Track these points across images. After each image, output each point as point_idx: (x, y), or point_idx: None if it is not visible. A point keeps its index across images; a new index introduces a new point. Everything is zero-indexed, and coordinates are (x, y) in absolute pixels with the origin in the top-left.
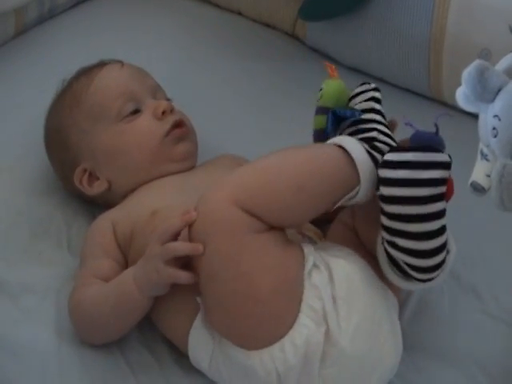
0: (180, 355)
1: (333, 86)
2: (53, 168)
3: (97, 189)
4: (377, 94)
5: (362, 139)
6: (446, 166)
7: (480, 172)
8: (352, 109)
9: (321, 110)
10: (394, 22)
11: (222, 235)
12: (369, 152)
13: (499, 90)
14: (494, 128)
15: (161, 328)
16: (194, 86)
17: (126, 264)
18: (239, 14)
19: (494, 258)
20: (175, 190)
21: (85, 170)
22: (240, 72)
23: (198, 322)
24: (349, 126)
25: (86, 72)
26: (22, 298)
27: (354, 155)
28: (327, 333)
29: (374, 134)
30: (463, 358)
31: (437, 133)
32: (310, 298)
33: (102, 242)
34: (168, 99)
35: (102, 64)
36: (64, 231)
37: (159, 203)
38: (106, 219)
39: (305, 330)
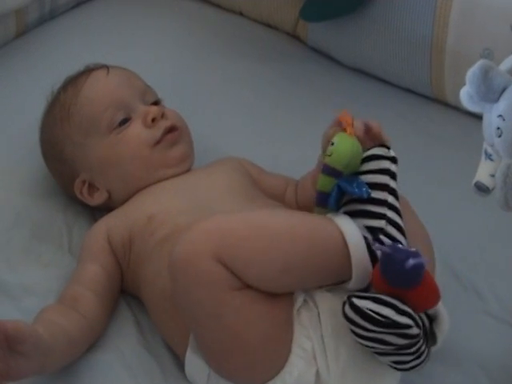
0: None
1: (346, 145)
2: (53, 177)
3: (97, 199)
4: (393, 167)
5: (367, 228)
6: (413, 337)
7: (484, 172)
8: (359, 183)
9: (328, 170)
10: (395, 23)
11: (203, 290)
12: (369, 248)
13: (503, 90)
14: (498, 128)
15: (161, 335)
16: (195, 87)
17: (115, 270)
18: (240, 14)
19: (496, 258)
20: (172, 194)
21: (84, 182)
22: (241, 72)
23: (192, 344)
24: (355, 200)
25: (73, 82)
26: (22, 299)
27: (352, 252)
28: (317, 374)
29: (382, 223)
30: (465, 359)
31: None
32: (299, 338)
33: (92, 247)
34: (158, 101)
35: (87, 71)
36: (65, 233)
37: (156, 207)
38: (101, 225)
39: (295, 371)
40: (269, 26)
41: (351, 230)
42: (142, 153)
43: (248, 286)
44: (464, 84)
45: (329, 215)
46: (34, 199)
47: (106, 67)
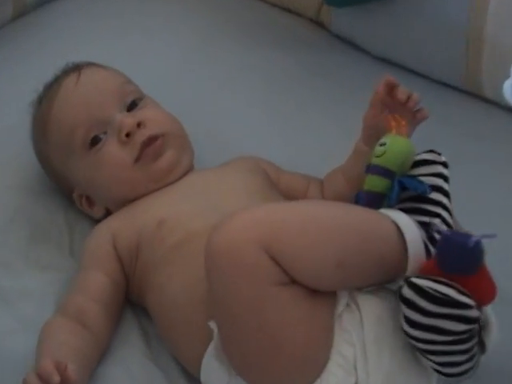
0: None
1: (401, 145)
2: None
3: (97, 213)
4: (446, 172)
5: (421, 224)
6: (473, 320)
7: None
8: (420, 181)
9: (379, 171)
10: (428, 8)
11: (246, 282)
12: (426, 246)
13: None
14: None
15: (169, 348)
16: (205, 77)
17: (121, 277)
18: None
19: None
20: (183, 196)
21: (81, 196)
22: (257, 62)
23: (211, 351)
24: (410, 198)
25: (46, 94)
26: (18, 304)
27: (410, 246)
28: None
29: (436, 222)
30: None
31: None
32: (340, 344)
33: (95, 252)
34: (137, 99)
35: (59, 79)
36: (65, 234)
37: (166, 211)
38: (105, 227)
39: (333, 379)
40: (289, 11)
41: (408, 225)
42: (123, 174)
43: (294, 282)
44: (506, 77)
45: (382, 210)
46: (32, 196)
47: (78, 71)
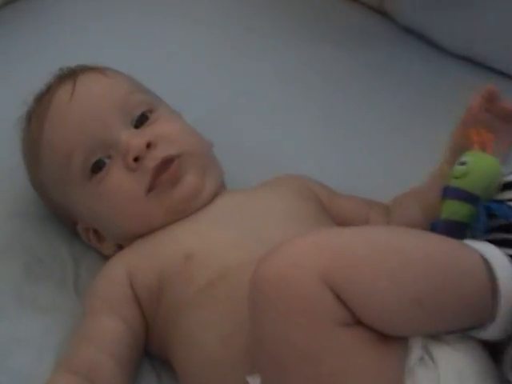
0: None
1: (485, 164)
2: None
3: (107, 250)
4: None
5: None
6: None
7: None
8: (509, 206)
9: (459, 195)
10: None
11: (301, 319)
12: None
13: None
14: None
15: None
16: (248, 76)
17: (140, 325)
18: None
19: None
20: (215, 223)
21: (87, 229)
22: (310, 58)
23: None
24: (499, 228)
25: (36, 111)
26: (10, 356)
27: (501, 285)
28: None
29: None
30: None
31: None
32: None
33: (109, 294)
34: (147, 111)
35: (51, 91)
36: (70, 268)
37: (194, 242)
38: (119, 264)
39: None
40: None
41: (498, 259)
42: (134, 208)
43: (359, 323)
44: None
45: (466, 241)
46: (30, 221)
47: (73, 79)
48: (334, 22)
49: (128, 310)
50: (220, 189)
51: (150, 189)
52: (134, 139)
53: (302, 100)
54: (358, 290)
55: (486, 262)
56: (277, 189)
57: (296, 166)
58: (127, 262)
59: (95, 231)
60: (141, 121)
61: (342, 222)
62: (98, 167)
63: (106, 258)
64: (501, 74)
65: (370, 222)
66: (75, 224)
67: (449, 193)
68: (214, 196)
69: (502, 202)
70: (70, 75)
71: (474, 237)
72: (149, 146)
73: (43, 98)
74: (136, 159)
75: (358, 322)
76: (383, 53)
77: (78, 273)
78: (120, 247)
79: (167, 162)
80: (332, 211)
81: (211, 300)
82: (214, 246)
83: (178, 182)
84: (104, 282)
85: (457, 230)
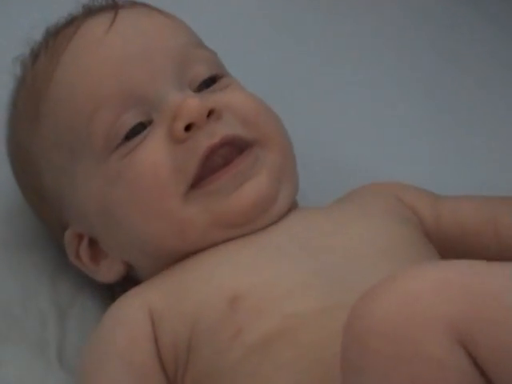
0: None
1: None
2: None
3: (107, 272)
4: None
5: None
6: None
7: None
8: None
9: None
10: None
11: None
12: None
13: None
14: None
15: None
16: (292, 61)
17: None
18: None
19: None
20: (278, 254)
21: (80, 236)
22: (378, 38)
23: None
24: None
25: (50, 41)
26: None
27: None
28: None
29: None
30: None
31: None
32: None
33: (131, 352)
34: (215, 76)
35: (76, 20)
36: (53, 323)
37: (245, 280)
38: (138, 304)
39: None
40: None
41: None
42: (166, 203)
43: None
44: None
45: None
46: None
47: (114, 11)
48: None
49: (155, 377)
50: (293, 204)
51: (196, 182)
52: (191, 99)
53: (380, 87)
54: (503, 353)
55: None
56: (363, 209)
57: (388, 171)
58: (149, 304)
59: (92, 242)
60: (205, 84)
61: (459, 234)
62: (134, 132)
63: (106, 306)
64: None
65: (500, 230)
66: (63, 230)
67: None
68: (286, 213)
69: None
70: (109, 5)
71: None
72: (211, 114)
73: (63, 31)
74: (188, 127)
75: None
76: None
77: (64, 332)
78: (130, 268)
79: (231, 145)
80: (441, 224)
81: (267, 366)
82: (274, 287)
83: (244, 181)
84: (121, 335)
85: None
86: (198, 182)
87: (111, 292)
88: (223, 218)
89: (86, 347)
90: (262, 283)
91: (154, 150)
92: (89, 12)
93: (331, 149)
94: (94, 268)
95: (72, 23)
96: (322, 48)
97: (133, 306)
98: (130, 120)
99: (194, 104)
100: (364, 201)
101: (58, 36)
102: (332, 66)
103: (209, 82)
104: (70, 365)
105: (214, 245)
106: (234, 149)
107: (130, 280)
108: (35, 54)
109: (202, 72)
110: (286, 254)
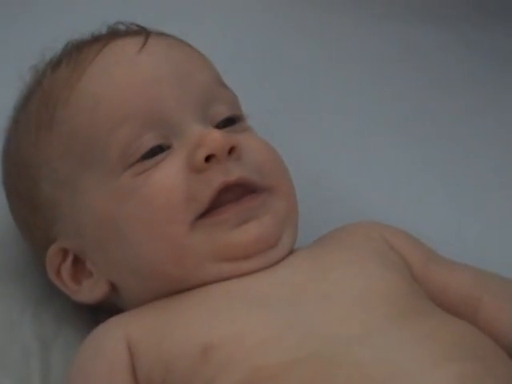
0: None
1: None
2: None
3: (88, 293)
4: None
5: None
6: None
7: None
8: None
9: None
10: None
11: None
12: None
13: None
14: None
15: None
16: (289, 76)
17: None
18: None
19: None
20: (252, 304)
21: (65, 252)
22: (377, 49)
23: None
24: None
25: (73, 54)
26: None
27: None
28: None
29: None
30: None
31: None
32: None
33: (111, 381)
34: (234, 117)
35: (106, 37)
36: (36, 355)
37: (220, 330)
38: (117, 333)
39: None
40: None
41: None
42: (173, 227)
43: None
44: None
45: None
46: None
47: (145, 33)
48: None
49: None
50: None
51: (207, 212)
52: (217, 132)
53: (359, 110)
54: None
55: None
56: (350, 253)
57: (381, 212)
58: (128, 335)
59: (76, 259)
60: (223, 123)
61: (440, 302)
62: (152, 153)
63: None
64: None
65: (480, 313)
66: (47, 244)
67: None
68: (287, 256)
69: None
70: (139, 31)
71: None
72: (232, 151)
73: (88, 45)
74: (208, 158)
75: None
76: (474, 37)
77: (48, 365)
78: (113, 291)
79: (244, 187)
80: (427, 284)
81: None
82: (246, 339)
83: (250, 220)
84: (100, 364)
85: None
86: (206, 212)
87: (95, 323)
88: (223, 250)
89: (67, 377)
90: (234, 334)
91: (170, 174)
92: (115, 33)
93: (318, 173)
94: (75, 287)
95: (98, 40)
96: (306, 76)
97: (113, 338)
98: (150, 141)
99: (218, 137)
100: (351, 241)
101: (83, 49)
102: (316, 94)
103: (227, 122)
104: None
105: (203, 282)
106: (246, 189)
107: (108, 306)
108: (55, 63)
109: (223, 111)
110: (265, 303)
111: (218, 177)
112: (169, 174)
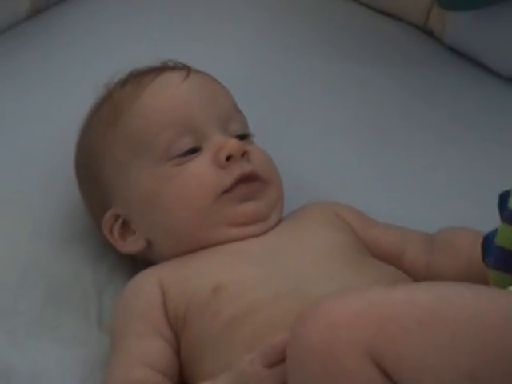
0: None
1: None
2: (84, 205)
3: (131, 246)
4: None
5: None
6: None
7: None
8: None
9: None
10: None
11: None
12: None
13: None
14: None
15: None
16: (282, 97)
17: (178, 351)
18: None
19: None
20: (248, 258)
21: (117, 217)
22: (349, 80)
23: None
24: None
25: (136, 77)
26: None
27: None
28: None
29: None
30: None
31: None
32: None
33: (149, 313)
34: (245, 135)
35: (160, 69)
36: (93, 297)
37: (225, 275)
38: (152, 278)
39: None
40: (389, 15)
41: None
42: (200, 201)
43: None
44: None
45: None
46: (50, 247)
47: (188, 69)
48: (376, 41)
49: (170, 332)
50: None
51: (225, 191)
52: (233, 141)
53: (336, 123)
54: (406, 367)
55: None
56: (311, 222)
57: (335, 194)
58: (160, 280)
59: (124, 223)
60: (239, 138)
61: (377, 254)
62: (187, 152)
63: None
64: None
65: (404, 260)
66: (104, 211)
67: (506, 216)
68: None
69: None
70: (183, 67)
71: None
72: (244, 154)
73: (147, 73)
74: (228, 158)
75: None
76: (428, 75)
77: (102, 302)
78: (149, 245)
79: (253, 177)
80: (367, 243)
81: (236, 340)
82: (245, 282)
83: (250, 199)
84: (141, 301)
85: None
86: (227, 191)
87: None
88: (232, 218)
89: (114, 313)
90: (235, 278)
91: (201, 166)
92: (165, 66)
93: (292, 170)
94: (122, 242)
95: (154, 70)
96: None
97: (149, 282)
98: (187, 143)
99: (236, 143)
100: (312, 215)
101: (143, 75)
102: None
103: (240, 137)
104: (106, 325)
105: (217, 242)
106: (254, 179)
107: (144, 259)
108: (123, 82)
109: (238, 129)
110: (257, 258)
111: (236, 170)
112: (200, 165)
